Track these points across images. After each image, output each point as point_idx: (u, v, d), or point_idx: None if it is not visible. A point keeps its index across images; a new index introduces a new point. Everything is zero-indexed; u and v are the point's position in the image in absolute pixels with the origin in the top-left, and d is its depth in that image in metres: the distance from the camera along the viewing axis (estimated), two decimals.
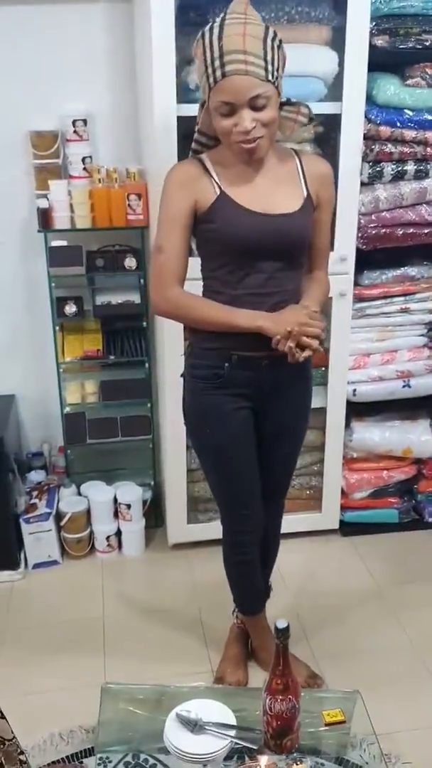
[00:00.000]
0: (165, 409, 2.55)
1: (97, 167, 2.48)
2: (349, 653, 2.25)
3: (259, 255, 1.71)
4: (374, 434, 2.75)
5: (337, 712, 1.61)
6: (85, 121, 2.47)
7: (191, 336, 1.87)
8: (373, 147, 2.38)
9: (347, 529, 2.85)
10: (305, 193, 1.75)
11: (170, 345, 2.38)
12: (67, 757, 1.85)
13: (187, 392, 1.90)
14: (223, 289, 1.75)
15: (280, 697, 1.47)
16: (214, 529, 2.26)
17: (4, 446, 2.53)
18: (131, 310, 2.61)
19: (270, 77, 1.57)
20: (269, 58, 1.56)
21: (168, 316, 1.83)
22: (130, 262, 2.54)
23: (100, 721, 1.67)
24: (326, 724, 1.59)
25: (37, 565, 2.69)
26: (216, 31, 1.57)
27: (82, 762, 1.82)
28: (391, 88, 2.33)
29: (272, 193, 1.71)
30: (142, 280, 2.58)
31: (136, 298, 2.61)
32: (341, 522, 2.84)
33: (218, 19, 1.59)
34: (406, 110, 2.35)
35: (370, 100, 2.34)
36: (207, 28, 1.60)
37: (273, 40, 1.59)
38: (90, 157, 2.51)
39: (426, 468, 2.84)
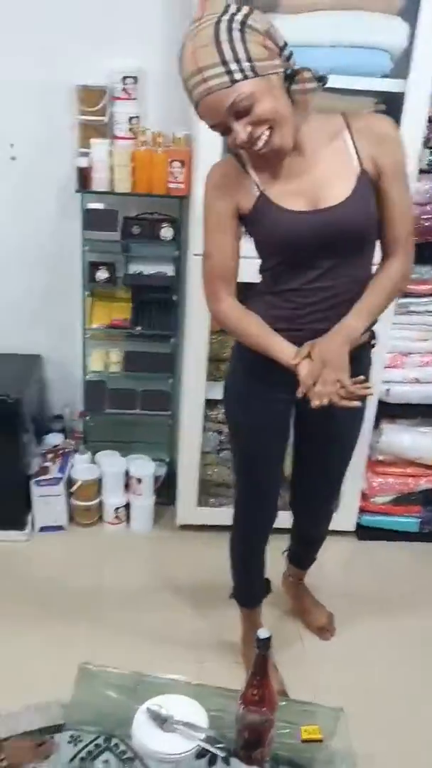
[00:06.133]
0: (186, 387, 2.47)
1: (143, 129, 2.38)
2: (343, 662, 2.16)
3: (309, 254, 1.57)
4: (404, 438, 2.63)
5: (316, 729, 1.53)
6: (135, 79, 2.37)
7: None
8: None
9: (364, 533, 2.75)
10: (358, 169, 1.53)
11: (198, 322, 2.30)
12: (38, 729, 1.83)
13: (231, 368, 1.83)
14: (273, 286, 1.65)
15: (254, 708, 1.40)
16: (223, 514, 2.21)
17: (21, 406, 2.49)
18: (163, 281, 2.52)
19: (237, 76, 1.37)
20: (228, 57, 1.36)
21: (219, 325, 1.78)
22: (167, 233, 2.44)
23: (72, 700, 1.64)
24: (303, 740, 1.52)
25: (43, 529, 2.67)
26: (177, 58, 1.42)
27: (53, 737, 1.79)
28: None
29: (317, 184, 1.54)
30: (177, 252, 2.49)
31: (169, 270, 2.52)
32: (358, 525, 2.74)
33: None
34: None
35: None
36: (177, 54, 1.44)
37: (230, 31, 1.36)
38: (137, 117, 2.41)
39: None
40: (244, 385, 1.78)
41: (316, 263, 1.58)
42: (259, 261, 1.69)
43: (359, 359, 1.69)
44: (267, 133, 1.44)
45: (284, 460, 1.91)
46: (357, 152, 1.54)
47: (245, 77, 1.38)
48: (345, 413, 1.63)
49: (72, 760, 1.51)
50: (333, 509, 2.12)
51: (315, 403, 1.55)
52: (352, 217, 1.54)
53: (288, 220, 1.54)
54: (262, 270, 1.70)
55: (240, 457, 1.89)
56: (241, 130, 1.42)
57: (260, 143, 1.45)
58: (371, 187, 1.55)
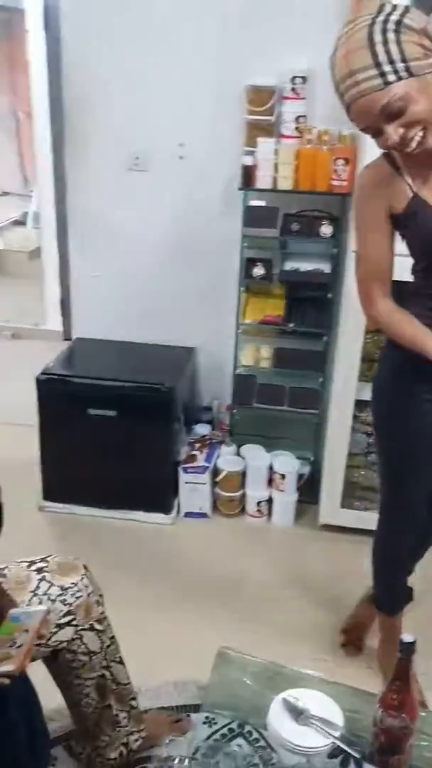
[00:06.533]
0: (336, 386, 2.46)
1: (309, 127, 2.40)
2: None
3: None
4: None
5: None
6: (304, 79, 2.39)
7: None
8: None
9: None
10: None
11: (354, 321, 2.27)
12: (176, 706, 1.90)
13: (382, 370, 1.79)
14: (426, 288, 1.61)
15: (393, 713, 1.37)
16: (368, 518, 2.17)
17: (174, 395, 2.60)
18: (319, 279, 2.52)
19: (391, 78, 1.33)
20: (382, 59, 1.32)
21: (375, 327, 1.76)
22: (326, 229, 2.44)
23: (210, 683, 1.68)
24: None
25: (188, 515, 2.76)
26: (330, 61, 1.40)
27: (189, 715, 1.86)
28: None
29: None
30: (335, 249, 2.48)
31: (326, 267, 2.52)
32: None
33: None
34: None
35: None
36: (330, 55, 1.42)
37: (384, 32, 1.33)
38: (304, 116, 2.43)
39: None
40: (401, 389, 1.73)
41: None
42: (412, 261, 1.65)
43: None
44: (420, 134, 1.39)
45: None
46: None
47: (399, 78, 1.33)
48: None
49: (207, 739, 1.55)
50: None
51: None
52: None
53: None
54: (414, 270, 1.65)
55: (389, 465, 1.85)
56: (393, 132, 1.38)
57: (413, 144, 1.41)
58: None
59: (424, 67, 1.36)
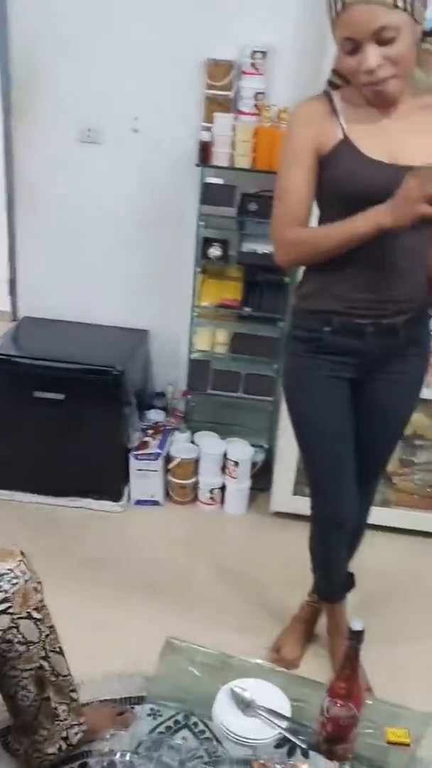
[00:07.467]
0: None
1: (268, 105, 2.34)
2: None
3: None
4: None
5: (403, 732, 1.46)
6: (264, 54, 2.33)
7: (296, 296, 1.73)
8: None
9: None
10: None
11: None
12: (121, 698, 1.83)
13: (286, 355, 1.78)
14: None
15: (341, 702, 1.33)
16: None
17: (126, 379, 2.52)
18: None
19: (400, 3, 1.33)
20: None
21: (294, 262, 1.66)
22: None
23: (156, 673, 1.63)
24: (388, 742, 1.45)
25: (138, 502, 2.69)
26: None
27: (133, 707, 1.79)
28: None
29: (403, 141, 1.48)
30: None
31: None
32: None
33: None
34: None
35: None
36: None
37: None
38: (263, 93, 2.37)
39: None
40: (303, 366, 1.71)
41: None
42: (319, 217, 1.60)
43: (417, 328, 1.66)
44: (391, 72, 1.40)
45: (351, 439, 1.77)
46: None
47: (404, 9, 1.35)
48: (402, 385, 1.70)
49: (150, 732, 1.50)
50: (373, 497, 1.98)
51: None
52: None
53: (366, 168, 1.48)
54: (320, 224, 1.61)
55: (305, 444, 1.81)
56: (373, 56, 1.37)
57: (379, 80, 1.40)
58: None
59: (421, 15, 1.39)
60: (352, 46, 1.39)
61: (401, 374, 1.71)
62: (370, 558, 2.18)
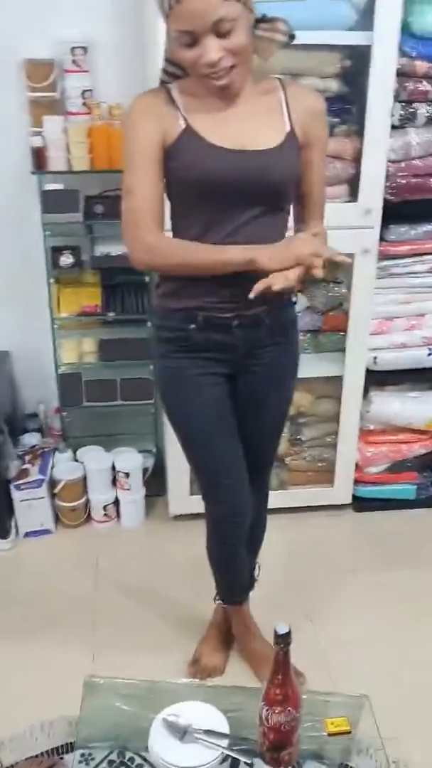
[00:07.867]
0: None
1: (98, 102, 2.24)
2: (356, 642, 2.08)
3: (232, 199, 1.48)
4: (394, 405, 2.55)
5: (343, 720, 1.45)
6: (84, 49, 2.22)
7: (156, 296, 1.67)
8: (406, 85, 2.13)
9: (360, 504, 2.68)
10: (288, 128, 1.51)
11: None
12: (46, 751, 1.72)
13: (156, 357, 1.72)
14: (190, 240, 1.52)
15: (279, 708, 1.30)
16: None
17: None
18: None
19: None
20: None
21: (150, 266, 1.61)
22: None
23: (81, 717, 1.53)
24: (330, 734, 1.44)
25: (28, 534, 2.54)
26: None
27: (62, 757, 1.68)
28: (430, 15, 2.05)
29: (248, 127, 1.47)
30: None
31: None
32: (354, 497, 2.67)
33: None
34: None
35: (406, 30, 2.07)
36: None
37: None
38: (90, 90, 2.27)
39: None
40: (173, 367, 1.66)
41: (236, 212, 1.49)
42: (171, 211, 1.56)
43: (281, 316, 1.66)
44: (232, 62, 1.39)
45: (235, 432, 1.74)
46: (289, 114, 1.52)
47: (238, 0, 1.34)
48: (275, 375, 1.69)
49: None
50: (267, 489, 1.96)
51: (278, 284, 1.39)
52: (279, 166, 1.50)
53: (212, 156, 1.46)
54: (173, 221, 1.57)
55: (188, 445, 1.77)
56: (214, 49, 1.35)
57: (224, 74, 1.39)
58: (296, 149, 1.53)
59: (251, 5, 1.38)
60: (190, 39, 1.35)
61: (272, 364, 1.69)
62: (278, 544, 2.18)
